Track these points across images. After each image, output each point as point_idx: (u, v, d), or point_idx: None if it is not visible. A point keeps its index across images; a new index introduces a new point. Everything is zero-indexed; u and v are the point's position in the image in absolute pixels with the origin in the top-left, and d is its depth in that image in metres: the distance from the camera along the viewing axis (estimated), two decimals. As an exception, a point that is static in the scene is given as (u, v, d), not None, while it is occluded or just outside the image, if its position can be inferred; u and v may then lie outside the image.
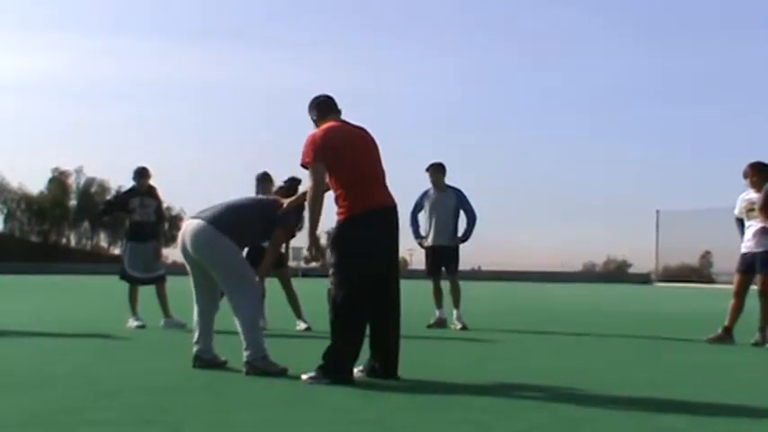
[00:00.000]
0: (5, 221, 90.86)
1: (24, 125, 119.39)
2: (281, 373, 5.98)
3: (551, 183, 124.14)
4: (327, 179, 5.96)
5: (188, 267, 6.34)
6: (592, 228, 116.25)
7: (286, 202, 6.43)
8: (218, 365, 6.34)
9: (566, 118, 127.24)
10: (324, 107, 6.24)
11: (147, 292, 10.67)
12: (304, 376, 5.72)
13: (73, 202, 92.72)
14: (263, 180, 10.47)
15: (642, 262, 73.62)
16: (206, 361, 6.32)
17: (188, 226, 6.24)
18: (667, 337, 10.44)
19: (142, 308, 10.52)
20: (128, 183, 11.12)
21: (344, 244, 5.84)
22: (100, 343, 8.43)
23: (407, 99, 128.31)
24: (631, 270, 73.32)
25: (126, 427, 4.15)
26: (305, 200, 6.03)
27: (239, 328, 6.08)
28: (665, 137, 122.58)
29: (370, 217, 5.87)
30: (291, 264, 11.72)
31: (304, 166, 5.98)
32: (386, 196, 6.07)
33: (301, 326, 10.19)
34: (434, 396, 5.29)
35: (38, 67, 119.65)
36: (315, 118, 6.25)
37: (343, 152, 5.93)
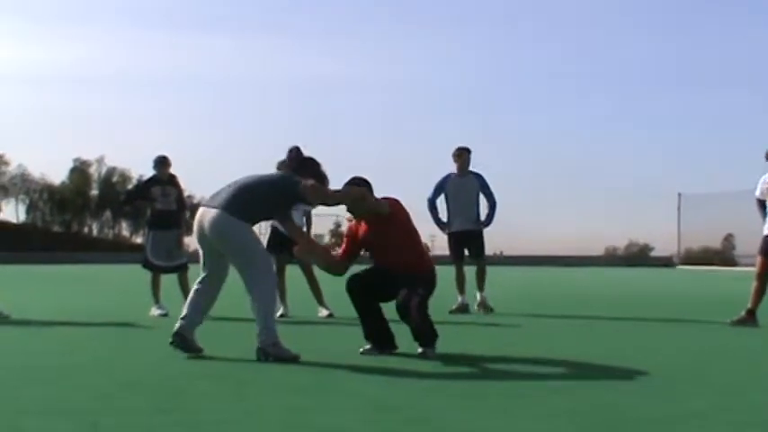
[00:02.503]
0: (28, 212, 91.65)
1: (45, 116, 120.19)
2: (293, 359, 5.98)
3: (573, 167, 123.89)
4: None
5: (201, 252, 6.37)
6: (613, 212, 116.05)
7: (324, 190, 6.47)
8: (194, 350, 6.28)
9: (588, 102, 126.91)
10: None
11: (169, 281, 10.71)
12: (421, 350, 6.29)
13: (94, 192, 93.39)
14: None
15: (664, 245, 73.22)
16: (185, 340, 6.28)
17: (204, 215, 6.22)
18: (691, 319, 10.38)
19: (165, 296, 10.56)
20: (149, 172, 11.14)
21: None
22: (122, 331, 8.47)
23: (429, 84, 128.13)
24: (653, 254, 72.98)
25: (147, 415, 4.17)
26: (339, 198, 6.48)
27: (255, 314, 6.11)
28: (687, 120, 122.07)
29: None
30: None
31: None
32: None
33: (323, 312, 10.18)
34: (456, 381, 5.28)
35: (59, 58, 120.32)
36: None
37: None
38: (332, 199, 6.50)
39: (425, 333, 6.34)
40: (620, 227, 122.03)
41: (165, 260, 10.59)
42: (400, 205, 6.68)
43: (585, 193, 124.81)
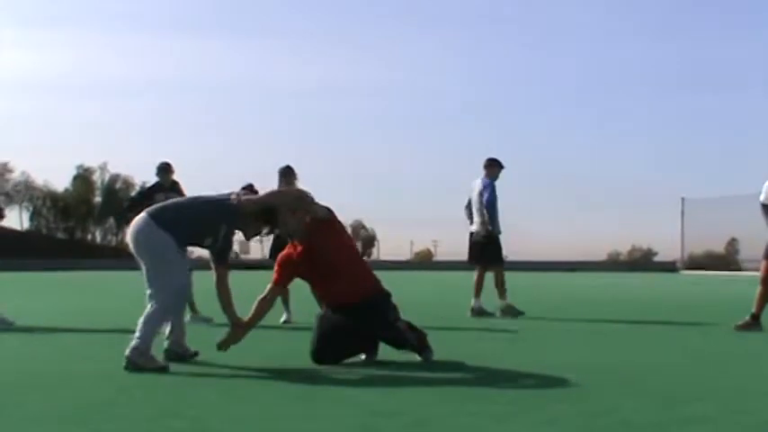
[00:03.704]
0: (31, 219, 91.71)
1: (49, 123, 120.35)
2: (160, 369, 5.86)
3: (575, 172, 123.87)
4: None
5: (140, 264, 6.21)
6: (616, 217, 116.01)
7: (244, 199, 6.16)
8: (190, 357, 6.35)
9: (589, 107, 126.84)
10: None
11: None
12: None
13: (98, 199, 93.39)
14: (286, 174, 10.40)
15: (667, 250, 73.27)
16: (178, 354, 6.34)
17: (134, 220, 6.19)
18: (694, 324, 10.38)
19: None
20: (152, 178, 11.14)
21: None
22: (125, 338, 8.41)
23: (429, 92, 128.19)
24: (657, 258, 72.97)
25: (151, 421, 4.18)
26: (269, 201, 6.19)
27: (141, 318, 6.03)
28: (690, 124, 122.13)
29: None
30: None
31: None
32: None
33: None
34: (456, 387, 5.28)
35: (61, 64, 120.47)
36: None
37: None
38: (274, 199, 6.22)
39: (419, 342, 6.37)
40: (623, 232, 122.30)
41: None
42: (334, 214, 6.45)
43: (588, 198, 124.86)
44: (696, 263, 54.65)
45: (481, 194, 11.69)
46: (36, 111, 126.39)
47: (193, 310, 10.44)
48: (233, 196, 6.15)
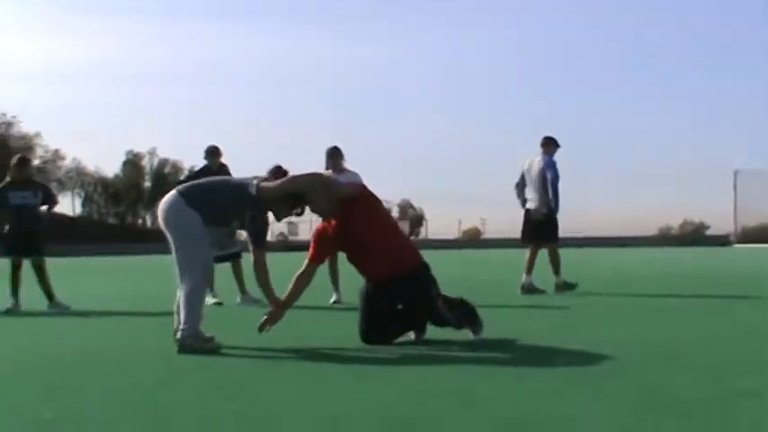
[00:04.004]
0: (83, 204, 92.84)
1: (98, 110, 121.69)
2: (212, 350, 5.91)
3: (625, 145, 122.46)
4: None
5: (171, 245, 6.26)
6: (667, 190, 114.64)
7: (270, 186, 6.17)
8: (207, 344, 6.19)
9: (638, 79, 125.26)
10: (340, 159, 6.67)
11: (222, 271, 10.81)
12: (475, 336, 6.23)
13: (147, 184, 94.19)
14: (334, 155, 10.38)
15: (720, 224, 72.31)
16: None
17: (164, 198, 6.26)
18: (746, 297, 10.26)
19: (218, 286, 10.67)
20: (200, 162, 11.24)
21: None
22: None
23: (476, 67, 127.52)
24: (709, 232, 72.00)
25: (203, 401, 4.24)
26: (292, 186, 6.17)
27: (180, 303, 6.08)
28: (742, 94, 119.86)
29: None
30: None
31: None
32: None
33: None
34: (505, 365, 5.30)
35: (109, 51, 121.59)
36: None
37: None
38: (291, 186, 6.16)
39: (467, 322, 6.35)
40: (675, 206, 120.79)
41: (218, 249, 10.68)
42: (368, 190, 6.53)
43: (638, 172, 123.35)
44: (749, 236, 53.80)
45: (543, 172, 11.66)
46: (85, 98, 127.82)
47: (243, 291, 10.55)
48: (254, 182, 6.19)
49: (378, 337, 6.19)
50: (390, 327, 6.29)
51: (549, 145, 11.86)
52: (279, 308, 6.40)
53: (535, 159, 11.85)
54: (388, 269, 6.22)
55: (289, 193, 6.19)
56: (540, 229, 11.77)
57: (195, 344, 5.92)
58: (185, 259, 6.11)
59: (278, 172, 6.34)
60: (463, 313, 6.36)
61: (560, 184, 11.71)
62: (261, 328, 6.36)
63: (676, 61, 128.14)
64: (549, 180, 11.59)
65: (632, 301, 10.12)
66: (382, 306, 6.24)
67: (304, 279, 6.44)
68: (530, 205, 11.85)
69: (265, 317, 6.40)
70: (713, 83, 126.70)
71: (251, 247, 6.29)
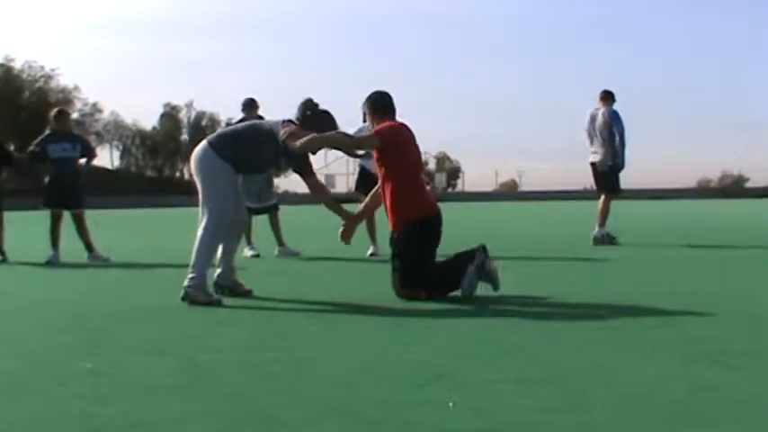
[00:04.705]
0: (122, 157, 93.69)
1: (135, 62, 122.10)
2: (211, 303, 5.91)
3: (662, 98, 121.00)
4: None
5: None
6: (706, 143, 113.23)
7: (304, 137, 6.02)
8: (242, 293, 6.34)
9: (678, 31, 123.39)
10: (384, 106, 6.43)
11: (260, 222, 10.82)
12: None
13: (185, 137, 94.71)
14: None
15: (760, 176, 71.34)
16: (225, 288, 6.37)
17: (196, 149, 6.26)
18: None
19: (256, 237, 10.68)
20: (237, 115, 11.20)
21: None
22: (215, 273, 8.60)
23: (508, 20, 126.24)
24: (748, 185, 71.19)
25: (244, 352, 4.22)
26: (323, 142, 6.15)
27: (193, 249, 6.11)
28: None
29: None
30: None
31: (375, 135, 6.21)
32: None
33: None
34: (551, 316, 5.22)
35: (145, 4, 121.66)
36: (369, 113, 6.46)
37: (410, 150, 6.33)
38: (306, 146, 6.05)
39: (449, 286, 6.07)
40: (714, 158, 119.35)
41: (255, 201, 10.67)
42: (396, 132, 6.27)
43: (676, 124, 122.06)
44: (790, 188, 53.10)
45: (609, 125, 11.69)
46: (123, 50, 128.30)
47: (281, 243, 10.54)
48: (281, 134, 6.06)
49: (407, 289, 6.03)
50: (424, 278, 6.05)
51: (608, 99, 11.88)
52: (353, 221, 6.55)
53: (599, 112, 11.87)
54: (390, 221, 6.27)
55: (305, 151, 6.14)
56: (609, 180, 11.89)
57: (198, 296, 5.96)
58: (206, 207, 6.12)
59: (307, 106, 6.29)
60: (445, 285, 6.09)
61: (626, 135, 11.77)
62: (342, 238, 6.53)
63: (711, 9, 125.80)
64: (616, 132, 11.65)
65: (677, 253, 10.00)
66: (411, 256, 6.09)
67: (378, 195, 6.50)
68: (594, 158, 11.90)
69: (342, 229, 6.51)
70: (752, 32, 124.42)
71: (304, 180, 6.29)
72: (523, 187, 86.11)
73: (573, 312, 5.35)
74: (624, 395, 3.18)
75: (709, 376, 3.47)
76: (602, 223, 11.66)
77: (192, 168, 6.23)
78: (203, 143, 6.22)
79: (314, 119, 6.26)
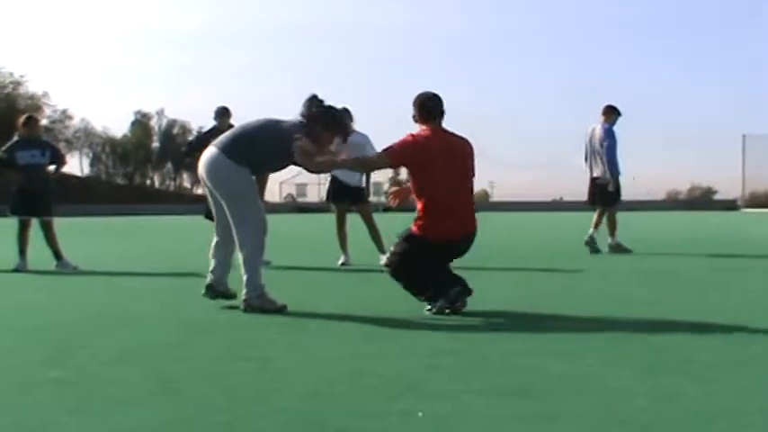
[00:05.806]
0: (91, 165, 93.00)
1: (106, 70, 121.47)
2: (279, 310, 5.89)
3: (632, 110, 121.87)
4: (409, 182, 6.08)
5: (209, 198, 6.22)
6: (675, 155, 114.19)
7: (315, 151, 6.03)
8: (229, 297, 6.30)
9: (648, 45, 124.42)
10: (425, 110, 6.00)
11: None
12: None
13: (156, 144, 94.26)
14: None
15: (728, 189, 72.03)
16: (218, 292, 6.31)
17: (204, 155, 6.10)
18: (755, 263, 10.21)
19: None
20: (208, 123, 11.18)
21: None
22: (188, 282, 8.54)
23: (480, 32, 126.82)
24: (717, 197, 71.84)
25: (215, 362, 4.21)
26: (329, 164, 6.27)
27: (241, 263, 6.02)
28: (750, 60, 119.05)
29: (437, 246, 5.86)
30: (372, 199, 11.73)
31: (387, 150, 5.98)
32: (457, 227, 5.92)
33: (384, 260, 10.18)
34: (516, 330, 5.24)
35: (118, 12, 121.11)
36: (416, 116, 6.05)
37: (432, 167, 5.85)
38: (317, 167, 6.17)
39: (426, 292, 5.90)
40: (682, 170, 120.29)
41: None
42: (408, 151, 5.91)
43: (645, 137, 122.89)
44: (758, 201, 53.65)
45: (602, 140, 12.01)
46: (94, 58, 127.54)
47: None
48: (293, 147, 5.92)
49: (404, 276, 5.93)
50: (419, 273, 5.90)
51: (610, 114, 12.18)
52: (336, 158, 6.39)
53: (596, 128, 12.19)
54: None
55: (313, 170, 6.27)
56: (604, 194, 12.15)
57: (266, 306, 5.91)
58: (238, 219, 6.01)
59: (312, 102, 6.16)
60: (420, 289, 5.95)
61: (618, 150, 12.09)
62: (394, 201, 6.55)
63: (686, 26, 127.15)
64: (604, 148, 11.96)
65: (643, 264, 10.07)
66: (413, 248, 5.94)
67: (362, 161, 6.65)
68: (596, 173, 12.18)
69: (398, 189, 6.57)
70: (725, 48, 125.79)
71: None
72: (495, 197, 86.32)
73: (541, 323, 5.38)
74: (592, 406, 3.21)
75: (676, 387, 3.51)
76: (613, 233, 12.05)
77: (207, 178, 6.05)
78: (214, 151, 6.03)
79: (321, 115, 6.16)
